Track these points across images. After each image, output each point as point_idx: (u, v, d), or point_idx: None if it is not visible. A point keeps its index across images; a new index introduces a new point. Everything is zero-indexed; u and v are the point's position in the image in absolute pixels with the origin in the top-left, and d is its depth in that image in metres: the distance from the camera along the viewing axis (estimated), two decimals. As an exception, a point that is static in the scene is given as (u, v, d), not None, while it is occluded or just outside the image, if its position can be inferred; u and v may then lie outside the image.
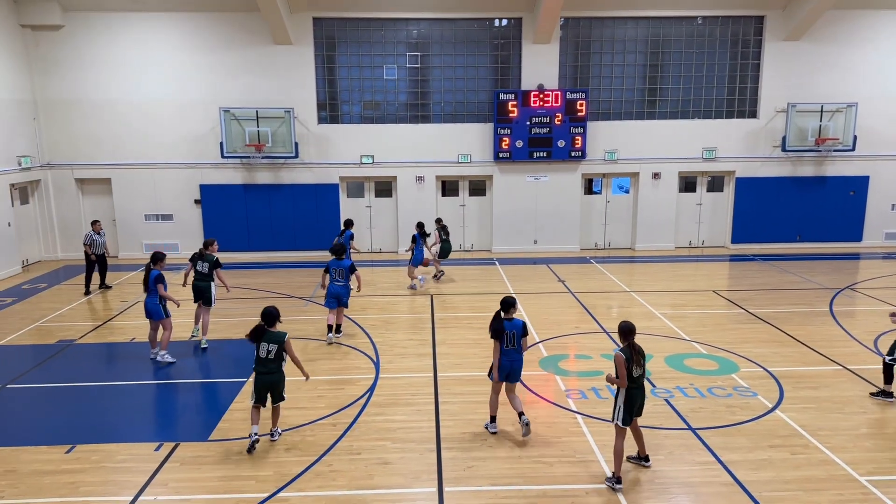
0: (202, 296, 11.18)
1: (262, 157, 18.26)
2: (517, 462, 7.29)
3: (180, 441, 7.84)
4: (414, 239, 14.83)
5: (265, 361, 7.60)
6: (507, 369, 7.71)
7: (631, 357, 6.67)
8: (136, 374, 10.03)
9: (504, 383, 7.84)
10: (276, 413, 7.86)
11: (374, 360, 10.54)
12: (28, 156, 17.50)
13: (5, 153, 16.70)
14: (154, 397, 9.38)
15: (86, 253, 14.95)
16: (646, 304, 13.73)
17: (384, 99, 18.90)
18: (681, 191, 19.69)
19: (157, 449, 7.64)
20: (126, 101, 18.09)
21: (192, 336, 11.61)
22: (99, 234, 14.98)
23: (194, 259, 11.28)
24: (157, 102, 18.14)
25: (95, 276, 15.16)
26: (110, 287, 15.48)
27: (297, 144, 18.11)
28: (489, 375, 7.91)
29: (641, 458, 7.18)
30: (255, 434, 7.51)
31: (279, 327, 7.79)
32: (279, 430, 7.92)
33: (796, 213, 19.57)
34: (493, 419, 8.04)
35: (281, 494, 6.68)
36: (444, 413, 8.53)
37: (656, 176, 19.26)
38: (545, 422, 8.26)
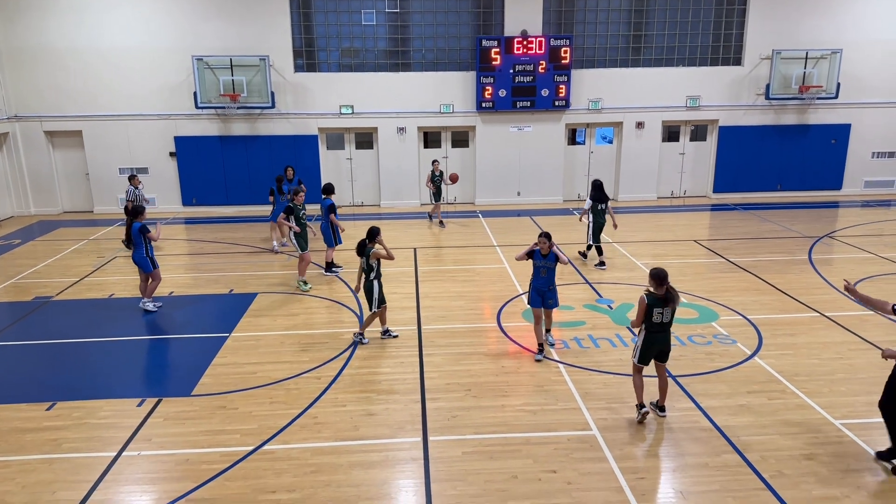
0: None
1: (238, 108, 17.77)
2: (500, 411, 7.37)
3: (163, 396, 7.80)
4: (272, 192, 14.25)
5: (367, 272, 9.10)
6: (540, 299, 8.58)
7: (654, 303, 6.71)
8: (117, 330, 9.92)
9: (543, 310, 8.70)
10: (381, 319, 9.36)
11: (358, 314, 10.51)
12: (-7, 107, 16.88)
13: (-31, 105, 16.09)
14: (135, 353, 9.30)
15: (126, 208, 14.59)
16: (627, 254, 13.78)
17: (363, 46, 18.36)
18: (664, 140, 19.58)
19: (140, 405, 7.61)
20: (94, 48, 17.38)
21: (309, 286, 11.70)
22: (137, 188, 14.64)
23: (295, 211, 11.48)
24: (127, 50, 17.45)
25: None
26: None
27: (273, 94, 17.62)
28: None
29: (658, 407, 7.26)
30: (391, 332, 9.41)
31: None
32: (389, 330, 9.45)
33: (778, 162, 19.60)
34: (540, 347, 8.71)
35: (266, 447, 6.71)
36: (427, 365, 8.56)
37: (640, 125, 19.10)
38: (528, 372, 8.33)
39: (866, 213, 17.67)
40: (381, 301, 9.16)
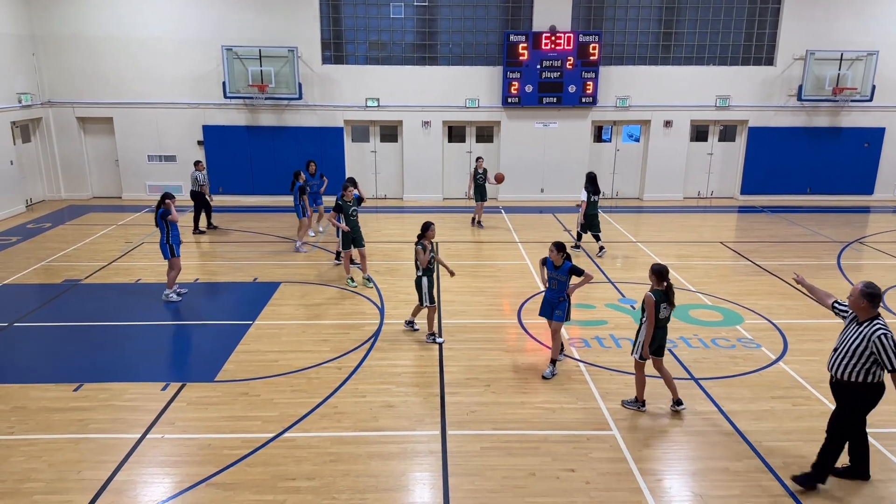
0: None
1: (266, 99, 17.91)
2: (520, 408, 7.36)
3: (187, 381, 7.92)
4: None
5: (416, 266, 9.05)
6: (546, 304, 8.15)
7: (660, 298, 6.85)
8: (143, 315, 10.09)
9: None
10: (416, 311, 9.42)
11: (379, 306, 10.56)
12: (28, 93, 17.20)
13: (5, 90, 16.41)
14: (160, 338, 9.45)
15: (197, 193, 15.00)
16: (651, 254, 13.64)
17: (390, 39, 18.38)
18: (692, 140, 19.33)
19: (164, 389, 7.73)
20: (126, 36, 17.63)
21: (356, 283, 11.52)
22: (202, 172, 15.05)
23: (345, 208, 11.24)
24: (158, 39, 17.67)
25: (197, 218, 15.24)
26: (213, 228, 15.48)
27: (300, 85, 17.72)
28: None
29: (675, 402, 7.26)
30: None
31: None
32: (413, 322, 9.50)
33: (808, 164, 19.25)
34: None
35: (286, 435, 6.78)
36: (447, 359, 8.58)
37: (668, 124, 18.88)
38: (542, 366, 8.29)
39: (898, 219, 17.28)
40: (431, 300, 9.00)
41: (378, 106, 18.43)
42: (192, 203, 15.08)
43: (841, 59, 18.06)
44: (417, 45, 18.42)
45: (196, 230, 15.01)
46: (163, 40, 17.69)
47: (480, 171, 15.68)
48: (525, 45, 17.88)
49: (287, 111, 18.36)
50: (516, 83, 18.16)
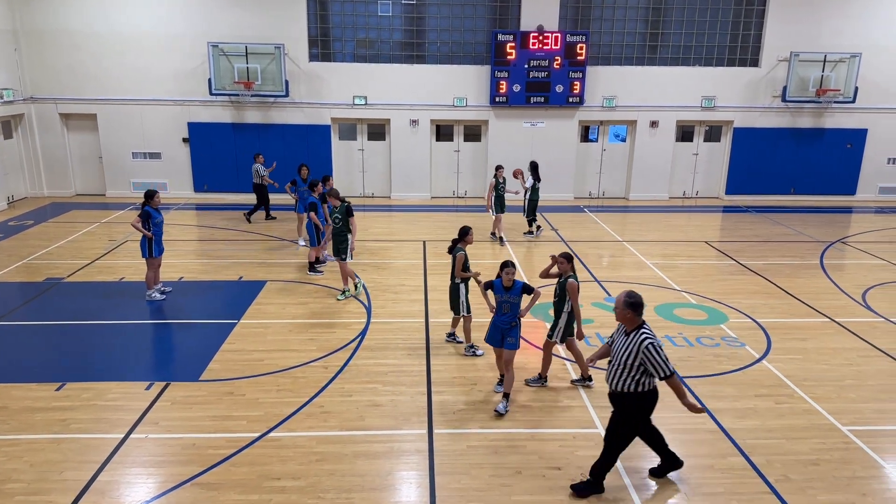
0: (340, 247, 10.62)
1: (252, 96, 17.78)
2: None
3: (171, 381, 7.86)
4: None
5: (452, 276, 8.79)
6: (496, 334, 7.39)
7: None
8: (126, 314, 9.99)
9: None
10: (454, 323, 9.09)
11: (366, 304, 10.53)
12: (10, 88, 16.95)
13: (-14, 85, 16.18)
14: (144, 337, 9.36)
15: (259, 185, 15.62)
16: (637, 253, 13.72)
17: (378, 37, 18.32)
18: (677, 140, 19.46)
19: (148, 388, 7.66)
20: (110, 31, 17.42)
21: (346, 293, 10.80)
22: (262, 164, 15.60)
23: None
24: (143, 35, 17.48)
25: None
26: (271, 219, 16.17)
27: (287, 83, 17.62)
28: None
29: (585, 378, 7.89)
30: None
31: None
32: (454, 336, 9.11)
33: (792, 165, 19.45)
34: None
35: (272, 434, 6.74)
36: (435, 358, 8.57)
37: (654, 124, 18.99)
38: (535, 368, 8.30)
39: (880, 219, 17.51)
40: (468, 309, 8.67)
41: (366, 104, 18.37)
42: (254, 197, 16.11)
43: (825, 61, 18.26)
44: (405, 43, 18.38)
45: (268, 216, 16.15)
46: (148, 36, 17.50)
47: (501, 180, 14.21)
48: (513, 44, 17.90)
49: (273, 108, 18.25)
50: (504, 82, 18.18)
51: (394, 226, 15.83)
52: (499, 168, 14.38)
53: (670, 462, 6.11)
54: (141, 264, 12.02)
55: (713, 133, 19.63)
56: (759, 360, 8.67)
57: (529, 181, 14.33)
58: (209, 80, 17.37)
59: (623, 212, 18.24)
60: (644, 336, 5.44)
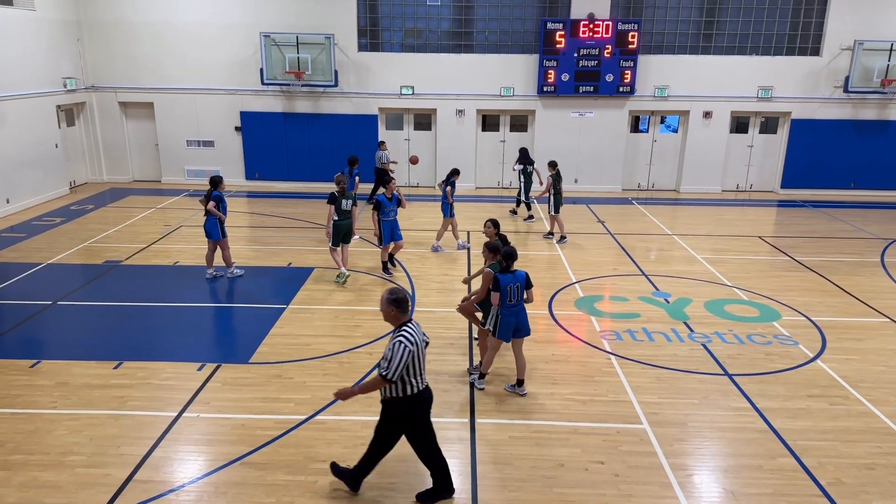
0: (345, 235, 11.00)
1: (302, 86, 18.04)
2: (549, 399, 7.34)
3: (222, 362, 8.09)
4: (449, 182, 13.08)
5: None
6: (513, 325, 7.19)
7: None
8: (180, 296, 10.32)
9: (513, 340, 7.30)
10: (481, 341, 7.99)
11: (410, 294, 10.62)
12: (73, 77, 17.63)
13: (51, 74, 16.84)
14: (197, 319, 9.66)
15: (380, 170, 16.42)
16: (687, 247, 13.43)
17: (426, 27, 18.33)
18: (732, 131, 18.89)
19: (200, 369, 7.91)
20: (167, 23, 17.91)
21: (339, 279, 10.93)
22: (385, 152, 16.64)
23: (336, 199, 10.74)
24: (198, 25, 17.92)
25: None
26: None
27: (336, 73, 17.81)
28: (492, 333, 7.30)
29: (478, 375, 7.55)
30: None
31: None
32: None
33: (853, 158, 18.66)
34: (483, 376, 7.55)
35: (318, 417, 6.89)
36: (477, 348, 8.57)
37: (707, 115, 18.48)
38: (579, 361, 8.26)
39: (948, 216, 16.67)
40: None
41: (413, 94, 18.42)
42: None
43: (891, 50, 17.41)
44: (453, 32, 18.34)
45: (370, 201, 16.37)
46: (203, 27, 17.94)
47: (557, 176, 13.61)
48: (562, 32, 17.65)
49: (322, 98, 18.48)
50: (552, 72, 17.96)
51: (439, 216, 15.83)
52: (552, 164, 13.77)
53: (443, 485, 5.69)
54: (194, 249, 12.45)
55: (769, 124, 18.99)
56: (813, 360, 8.40)
57: (518, 166, 15.57)
58: (261, 70, 17.69)
59: (673, 204, 17.85)
60: (400, 332, 5.14)
